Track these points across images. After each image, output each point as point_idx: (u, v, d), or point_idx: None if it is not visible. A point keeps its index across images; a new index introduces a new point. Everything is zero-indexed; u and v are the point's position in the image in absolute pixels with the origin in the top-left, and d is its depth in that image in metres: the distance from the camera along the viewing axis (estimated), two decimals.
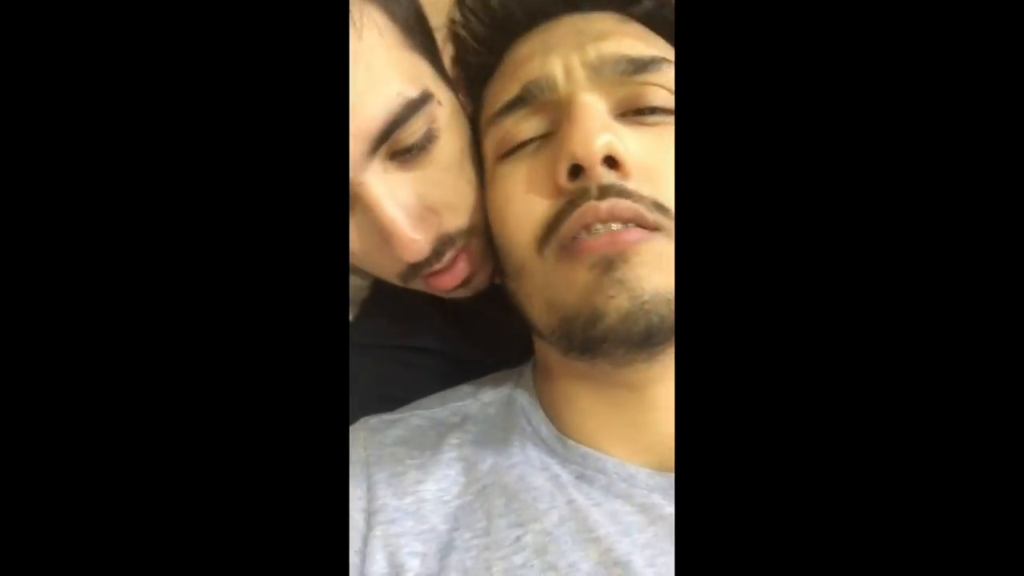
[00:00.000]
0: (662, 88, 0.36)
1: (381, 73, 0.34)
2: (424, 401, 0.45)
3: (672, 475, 0.37)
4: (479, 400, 0.43)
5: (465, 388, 0.45)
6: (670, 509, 0.36)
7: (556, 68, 0.36)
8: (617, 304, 0.32)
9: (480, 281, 0.42)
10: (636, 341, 0.33)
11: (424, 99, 0.35)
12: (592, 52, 0.36)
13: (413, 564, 0.33)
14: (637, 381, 0.37)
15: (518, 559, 0.33)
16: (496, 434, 0.40)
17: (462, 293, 0.42)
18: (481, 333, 0.50)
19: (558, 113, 0.36)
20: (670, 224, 0.34)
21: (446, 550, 0.34)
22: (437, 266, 0.39)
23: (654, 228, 0.33)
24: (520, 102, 0.37)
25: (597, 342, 0.34)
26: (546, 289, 0.36)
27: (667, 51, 0.38)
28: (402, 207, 0.36)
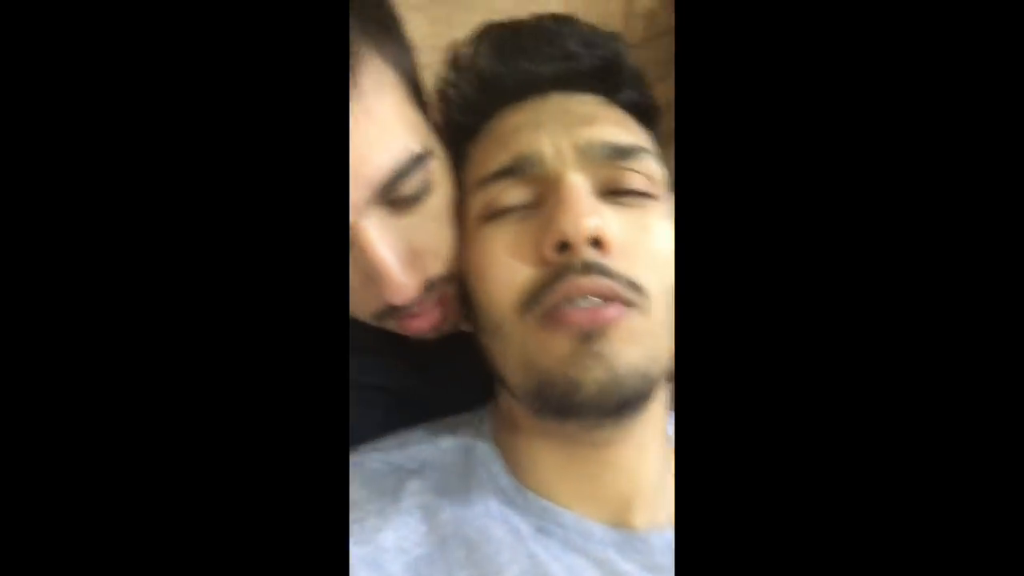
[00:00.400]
0: (640, 174, 0.39)
1: (391, 127, 0.35)
2: (380, 444, 0.44)
3: (626, 531, 0.39)
4: (437, 447, 0.43)
5: (421, 432, 0.45)
6: (624, 565, 0.37)
7: (546, 146, 0.38)
8: (595, 376, 0.34)
9: (449, 325, 0.43)
10: (609, 411, 0.35)
11: (426, 154, 0.37)
12: (581, 136, 0.38)
13: None
14: (600, 441, 0.39)
15: None
16: (455, 483, 0.40)
17: (429, 335, 0.43)
18: (437, 375, 0.50)
19: (545, 187, 0.38)
20: (643, 301, 0.36)
21: None
22: (415, 310, 0.40)
23: (629, 304, 0.36)
24: (509, 172, 0.39)
25: (574, 409, 0.35)
26: (524, 351, 0.37)
27: (644, 139, 0.41)
28: (394, 251, 0.37)
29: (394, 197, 0.36)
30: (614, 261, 0.36)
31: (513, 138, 0.40)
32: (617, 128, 0.40)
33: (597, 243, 0.35)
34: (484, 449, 0.42)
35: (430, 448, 0.43)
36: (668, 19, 0.92)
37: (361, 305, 0.40)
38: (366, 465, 0.41)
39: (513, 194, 0.38)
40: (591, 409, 0.35)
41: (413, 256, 0.38)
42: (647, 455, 0.41)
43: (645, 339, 0.36)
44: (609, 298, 0.35)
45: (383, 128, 0.34)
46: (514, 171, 0.38)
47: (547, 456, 0.40)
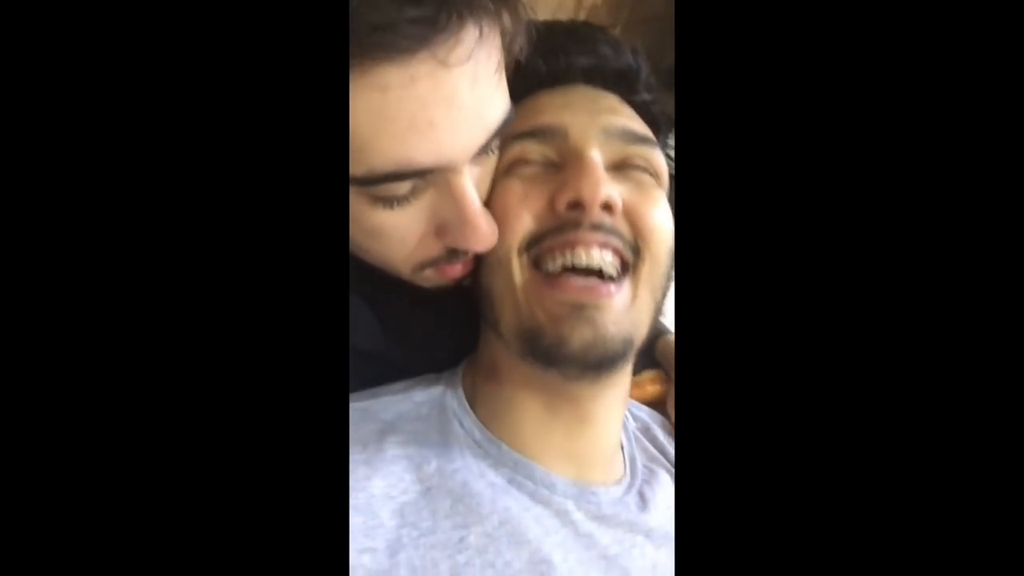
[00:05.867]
0: (645, 158, 0.45)
1: (500, 86, 0.38)
2: (354, 395, 0.46)
3: (583, 485, 0.44)
4: (411, 399, 0.46)
5: (393, 387, 0.48)
6: (577, 515, 0.43)
7: (571, 123, 0.44)
8: (582, 335, 0.39)
9: (468, 276, 0.47)
10: (591, 365, 0.41)
11: (512, 112, 0.40)
12: (604, 120, 0.45)
13: (364, 560, 0.36)
14: (578, 394, 0.44)
15: (462, 558, 0.37)
16: (434, 436, 0.44)
17: (457, 282, 0.47)
18: (412, 337, 0.52)
19: (565, 155, 0.43)
20: (639, 264, 0.42)
21: (395, 547, 0.37)
22: (464, 257, 0.43)
23: (624, 270, 0.42)
24: (534, 135, 0.44)
25: (559, 359, 0.40)
26: (522, 294, 0.42)
27: (654, 139, 0.47)
28: (479, 200, 0.40)
29: (483, 150, 0.39)
30: (619, 223, 0.42)
31: (543, 111, 0.45)
32: (634, 120, 0.46)
33: (607, 207, 0.41)
34: (455, 404, 0.46)
35: (404, 401, 0.46)
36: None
37: (414, 255, 0.42)
38: None
39: (534, 150, 0.44)
40: (575, 362, 0.40)
41: (481, 204, 0.41)
42: (612, 417, 0.47)
43: (632, 310, 0.42)
44: (608, 250, 0.41)
45: (496, 88, 0.38)
46: (538, 135, 0.44)
47: (526, 408, 0.45)
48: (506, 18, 0.37)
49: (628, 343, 0.41)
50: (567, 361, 0.40)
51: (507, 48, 0.39)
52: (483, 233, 0.40)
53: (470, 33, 0.34)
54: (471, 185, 0.39)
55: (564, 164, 0.43)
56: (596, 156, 0.42)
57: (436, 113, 0.34)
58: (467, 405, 0.46)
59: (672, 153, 0.50)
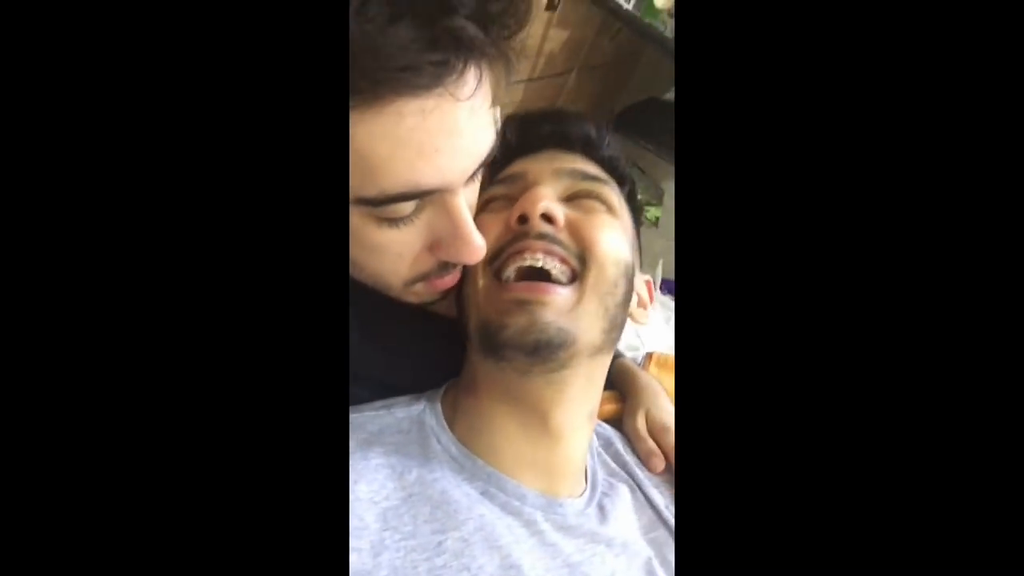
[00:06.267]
0: (594, 191, 0.53)
1: (490, 121, 0.44)
2: None
3: (550, 497, 0.48)
4: (393, 415, 0.49)
5: (377, 403, 0.51)
6: (544, 525, 0.46)
7: (531, 168, 0.54)
8: (518, 321, 0.45)
9: (454, 289, 0.52)
10: (528, 350, 0.45)
11: (496, 144, 0.45)
12: (559, 165, 0.54)
13: (350, 559, 0.38)
14: (540, 400, 0.48)
15: (439, 560, 0.40)
16: (414, 448, 0.47)
17: (445, 295, 0.51)
18: (394, 357, 0.55)
19: (522, 191, 0.51)
20: (584, 273, 0.48)
21: (379, 548, 0.39)
22: (454, 271, 0.49)
23: (572, 277, 0.48)
24: (503, 181, 0.54)
25: (499, 345, 0.46)
26: (482, 296, 0.49)
27: (609, 181, 0.56)
28: (471, 217, 0.45)
29: (474, 175, 0.44)
30: (564, 236, 0.49)
31: (514, 166, 0.55)
32: (589, 166, 0.55)
33: (549, 219, 0.48)
34: (433, 423, 0.49)
35: (387, 416, 0.49)
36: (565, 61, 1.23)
37: (409, 271, 0.47)
38: None
39: (500, 192, 0.53)
40: (512, 346, 0.45)
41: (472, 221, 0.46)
42: (579, 433, 0.51)
43: (576, 311, 0.47)
44: (554, 258, 0.47)
45: (487, 121, 0.43)
46: (505, 181, 0.54)
47: (501, 423, 0.48)
48: (499, 65, 0.42)
49: (565, 334, 0.46)
50: (506, 346, 0.45)
51: (495, 90, 0.44)
52: (475, 246, 0.45)
53: (472, 74, 0.40)
54: (465, 204, 0.44)
55: (521, 195, 0.51)
56: (543, 188, 0.50)
57: (441, 141, 0.39)
58: (444, 423, 0.49)
59: (640, 197, 0.57)
